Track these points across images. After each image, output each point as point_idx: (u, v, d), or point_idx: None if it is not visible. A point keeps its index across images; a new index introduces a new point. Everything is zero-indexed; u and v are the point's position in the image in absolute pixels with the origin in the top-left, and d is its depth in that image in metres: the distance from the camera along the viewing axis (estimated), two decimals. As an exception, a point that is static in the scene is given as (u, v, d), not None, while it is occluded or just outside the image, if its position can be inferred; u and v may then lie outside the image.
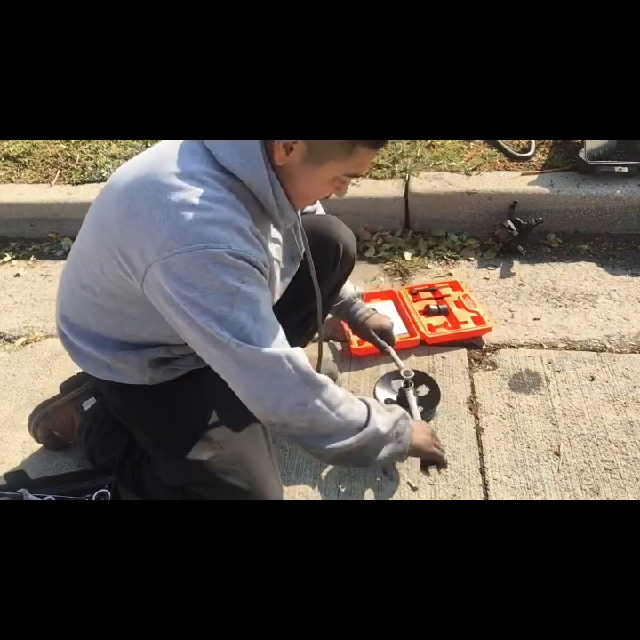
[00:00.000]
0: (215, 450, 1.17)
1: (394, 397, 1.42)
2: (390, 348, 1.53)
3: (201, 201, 0.92)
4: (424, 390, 1.50)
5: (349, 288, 1.59)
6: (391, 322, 1.57)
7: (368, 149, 0.97)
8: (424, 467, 1.28)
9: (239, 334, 0.94)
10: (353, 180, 1.87)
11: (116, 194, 1.00)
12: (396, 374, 1.46)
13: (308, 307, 1.32)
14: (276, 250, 1.15)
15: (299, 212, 1.18)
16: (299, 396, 1.00)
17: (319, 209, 1.52)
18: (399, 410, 1.20)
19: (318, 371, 1.51)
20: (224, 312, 0.93)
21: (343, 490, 1.39)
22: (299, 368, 1.00)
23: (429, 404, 1.41)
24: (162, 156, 0.99)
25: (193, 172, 0.95)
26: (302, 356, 1.02)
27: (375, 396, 1.41)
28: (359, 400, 1.12)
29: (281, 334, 1.00)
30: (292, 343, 1.05)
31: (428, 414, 1.38)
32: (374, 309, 1.60)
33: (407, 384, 1.39)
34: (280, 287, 1.22)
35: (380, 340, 1.52)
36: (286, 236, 1.19)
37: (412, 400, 1.40)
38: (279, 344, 0.98)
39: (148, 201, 0.94)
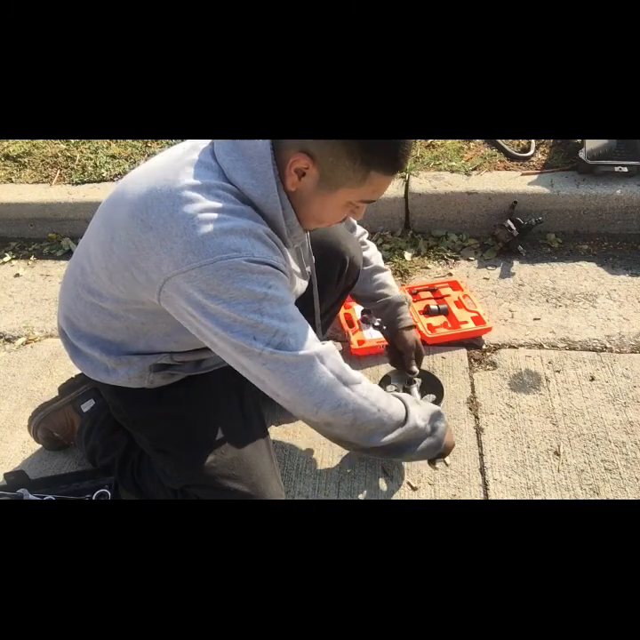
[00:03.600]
0: (215, 454, 1.16)
1: None
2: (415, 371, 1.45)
3: (217, 213, 0.91)
4: (428, 388, 1.51)
5: (394, 287, 1.50)
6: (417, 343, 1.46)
7: (382, 176, 0.95)
8: (432, 461, 1.28)
9: (272, 341, 0.93)
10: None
11: (129, 205, 0.98)
12: (400, 372, 1.46)
13: (310, 319, 1.31)
14: (292, 263, 1.14)
15: (308, 233, 1.17)
16: (338, 396, 0.99)
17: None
18: (433, 405, 1.20)
19: None
20: (254, 320, 0.92)
21: (343, 490, 1.39)
22: (333, 367, 0.99)
23: (433, 401, 1.41)
24: (175, 168, 0.96)
25: (208, 186, 0.93)
26: (334, 352, 1.01)
27: None
28: (392, 396, 1.12)
29: (311, 333, 0.99)
30: None
31: None
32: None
33: (411, 382, 1.39)
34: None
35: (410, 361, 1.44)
36: (295, 254, 1.18)
37: (417, 397, 1.40)
38: (311, 344, 0.97)
39: (163, 214, 0.92)
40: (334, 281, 1.39)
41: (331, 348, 1.00)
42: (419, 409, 1.14)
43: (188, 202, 0.91)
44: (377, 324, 1.47)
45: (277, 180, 0.95)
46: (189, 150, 1.00)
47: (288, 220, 1.00)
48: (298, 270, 1.19)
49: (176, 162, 0.98)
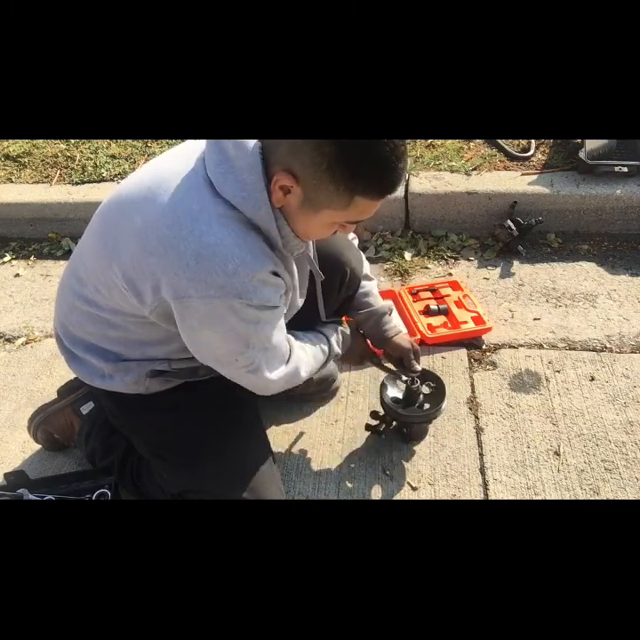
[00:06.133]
0: (212, 459, 1.16)
1: (400, 396, 1.42)
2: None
3: (220, 249, 0.90)
4: (430, 388, 1.50)
5: (379, 297, 1.50)
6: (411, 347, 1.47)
7: (368, 201, 0.92)
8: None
9: (250, 367, 1.06)
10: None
11: (128, 225, 0.97)
12: (397, 374, 1.46)
13: (314, 325, 1.33)
14: (295, 277, 1.13)
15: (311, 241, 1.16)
16: (290, 383, 1.18)
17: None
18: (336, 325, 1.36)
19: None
20: (240, 350, 1.02)
21: (343, 490, 1.39)
22: (288, 379, 1.15)
23: (436, 401, 1.41)
24: (171, 186, 0.95)
25: (209, 213, 0.92)
26: (299, 360, 1.16)
27: (382, 395, 1.42)
28: (319, 335, 1.30)
29: (284, 351, 1.12)
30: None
31: (435, 412, 1.38)
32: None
33: (413, 381, 1.40)
34: (297, 304, 1.19)
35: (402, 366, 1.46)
36: (298, 259, 1.16)
37: (420, 397, 1.40)
38: (279, 365, 1.11)
39: (164, 243, 0.92)
40: (335, 291, 1.38)
41: (296, 358, 1.16)
42: (335, 337, 1.32)
43: (191, 234, 0.91)
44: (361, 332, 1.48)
45: (268, 189, 0.93)
46: (185, 163, 0.97)
47: (282, 232, 0.98)
48: (302, 276, 1.18)
49: (172, 179, 0.96)
